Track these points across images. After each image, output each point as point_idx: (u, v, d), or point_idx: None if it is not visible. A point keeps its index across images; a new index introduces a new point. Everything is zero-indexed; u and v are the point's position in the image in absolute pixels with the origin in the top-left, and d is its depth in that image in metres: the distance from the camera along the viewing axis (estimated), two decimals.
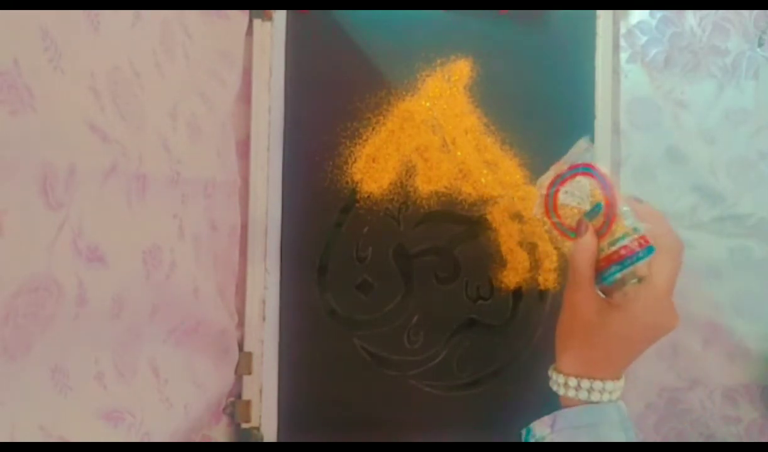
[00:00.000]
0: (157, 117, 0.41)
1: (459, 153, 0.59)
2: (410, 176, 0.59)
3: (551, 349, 0.46)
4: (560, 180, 0.43)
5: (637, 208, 0.41)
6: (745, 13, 0.62)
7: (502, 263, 0.60)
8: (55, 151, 0.29)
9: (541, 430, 0.43)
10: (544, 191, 0.43)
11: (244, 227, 0.58)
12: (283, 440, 0.58)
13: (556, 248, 0.45)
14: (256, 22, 0.59)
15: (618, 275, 0.40)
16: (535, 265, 0.60)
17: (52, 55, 0.28)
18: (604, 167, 0.61)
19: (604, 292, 0.42)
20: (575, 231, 0.42)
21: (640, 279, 0.39)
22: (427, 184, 0.59)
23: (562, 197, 0.42)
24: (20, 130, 0.26)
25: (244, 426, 0.58)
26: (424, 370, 0.59)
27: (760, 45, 0.62)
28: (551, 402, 0.44)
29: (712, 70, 0.63)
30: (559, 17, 0.61)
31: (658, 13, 0.63)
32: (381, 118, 0.59)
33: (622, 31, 0.63)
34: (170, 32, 0.43)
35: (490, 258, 0.54)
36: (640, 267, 0.39)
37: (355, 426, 0.59)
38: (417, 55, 0.60)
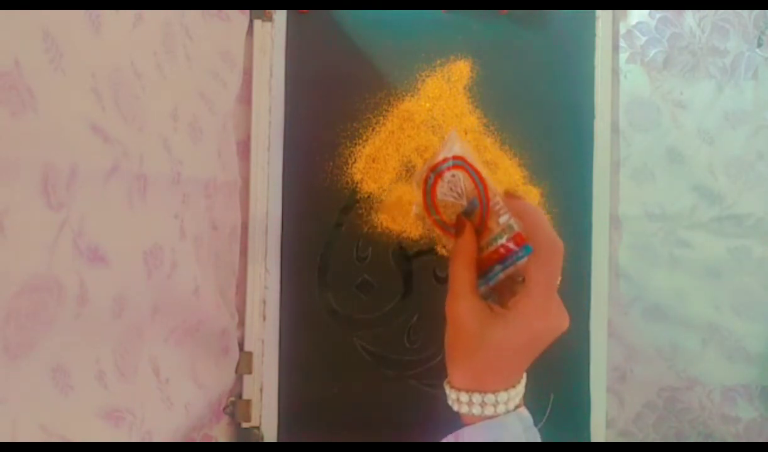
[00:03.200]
0: (158, 117, 0.41)
1: None
2: (410, 176, 0.59)
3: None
4: (434, 174, 0.38)
5: (512, 204, 0.37)
6: (745, 13, 0.63)
7: None
8: (56, 151, 0.29)
9: None
10: (420, 187, 0.39)
11: (245, 227, 0.58)
12: (283, 440, 0.58)
13: (443, 247, 0.41)
14: (257, 22, 0.59)
15: (501, 274, 0.37)
16: None
17: (53, 56, 0.28)
18: (604, 167, 0.62)
19: (494, 292, 0.39)
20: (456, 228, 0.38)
21: (524, 279, 0.36)
22: None
23: (440, 192, 0.38)
24: (21, 131, 0.26)
25: (245, 425, 0.58)
26: (424, 370, 0.59)
27: (760, 45, 0.63)
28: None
29: (711, 71, 0.63)
30: (559, 17, 0.61)
31: (658, 14, 0.63)
32: (381, 118, 0.59)
33: (622, 31, 0.63)
34: (171, 33, 0.43)
35: None
36: (522, 266, 0.36)
37: (355, 426, 0.59)
38: (417, 55, 0.60)
